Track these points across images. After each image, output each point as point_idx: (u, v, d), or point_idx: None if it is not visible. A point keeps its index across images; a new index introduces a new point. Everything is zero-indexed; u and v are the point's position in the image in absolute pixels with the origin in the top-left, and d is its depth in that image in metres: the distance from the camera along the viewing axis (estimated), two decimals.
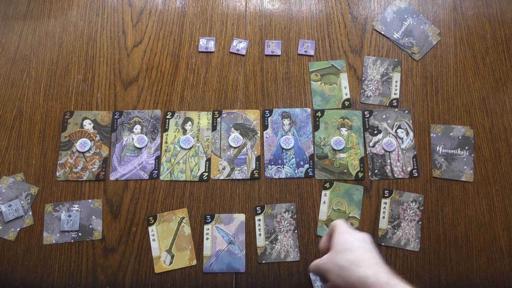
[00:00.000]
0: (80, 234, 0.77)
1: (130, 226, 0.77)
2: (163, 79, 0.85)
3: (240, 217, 0.78)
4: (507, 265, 0.75)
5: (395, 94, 0.84)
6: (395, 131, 0.82)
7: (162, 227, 0.77)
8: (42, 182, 0.79)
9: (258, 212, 0.78)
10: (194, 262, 0.76)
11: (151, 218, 0.78)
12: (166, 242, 0.76)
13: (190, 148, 0.81)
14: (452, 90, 0.84)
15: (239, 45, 0.87)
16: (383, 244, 0.76)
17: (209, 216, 0.78)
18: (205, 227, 0.77)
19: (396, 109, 0.83)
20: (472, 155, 0.80)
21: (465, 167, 0.80)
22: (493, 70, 0.85)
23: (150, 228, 0.77)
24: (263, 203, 0.79)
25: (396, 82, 0.85)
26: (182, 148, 0.81)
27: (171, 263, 0.76)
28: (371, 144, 0.81)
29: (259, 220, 0.78)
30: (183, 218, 0.78)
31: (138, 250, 0.76)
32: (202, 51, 0.87)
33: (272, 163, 0.81)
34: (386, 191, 0.79)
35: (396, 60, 0.86)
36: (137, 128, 0.82)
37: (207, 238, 0.77)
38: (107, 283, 0.75)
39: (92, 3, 0.90)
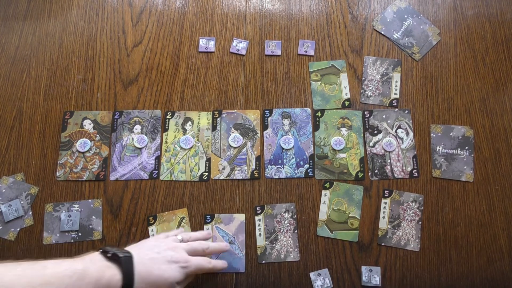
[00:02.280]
0: (80, 234, 0.77)
1: (130, 226, 0.77)
2: (163, 79, 0.85)
3: (240, 217, 0.78)
4: (507, 265, 0.75)
5: (395, 94, 0.84)
6: (395, 131, 0.82)
7: (162, 227, 0.77)
8: (42, 182, 0.79)
9: (258, 212, 0.78)
10: None
11: (151, 218, 0.78)
12: None
13: (190, 148, 0.81)
14: (452, 90, 0.84)
15: (239, 45, 0.87)
16: (383, 244, 0.76)
17: (209, 216, 0.78)
18: (205, 227, 0.77)
19: (396, 109, 0.83)
20: (472, 155, 0.80)
21: (465, 167, 0.80)
22: (493, 70, 0.85)
23: (150, 228, 0.77)
24: (263, 203, 0.79)
25: (396, 82, 0.85)
26: (182, 148, 0.81)
27: None
28: (371, 144, 0.81)
29: (259, 220, 0.78)
30: (183, 218, 0.78)
31: None
32: (202, 51, 0.87)
33: (272, 163, 0.81)
34: (386, 191, 0.79)
35: (396, 60, 0.86)
36: (137, 128, 0.82)
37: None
38: None
39: (92, 3, 0.90)
